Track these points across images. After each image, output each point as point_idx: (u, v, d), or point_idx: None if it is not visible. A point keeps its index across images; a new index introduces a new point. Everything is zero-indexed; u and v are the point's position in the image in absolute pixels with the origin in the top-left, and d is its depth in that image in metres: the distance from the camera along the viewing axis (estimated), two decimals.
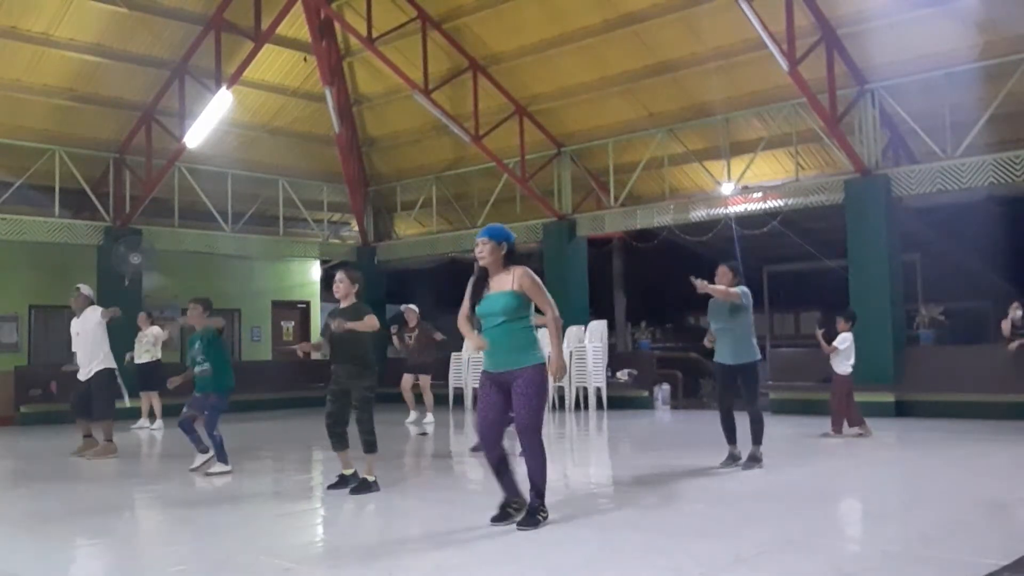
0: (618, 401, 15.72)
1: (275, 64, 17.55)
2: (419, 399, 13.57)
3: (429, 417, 13.37)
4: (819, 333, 10.99)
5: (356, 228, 20.80)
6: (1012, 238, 15.94)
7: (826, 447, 9.97)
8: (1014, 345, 12.23)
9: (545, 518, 5.67)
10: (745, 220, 15.24)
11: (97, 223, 16.81)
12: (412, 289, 21.02)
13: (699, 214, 15.73)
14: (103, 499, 7.68)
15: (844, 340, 10.71)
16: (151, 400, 13.93)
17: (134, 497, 7.99)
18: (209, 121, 15.79)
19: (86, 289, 10.61)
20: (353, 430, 7.27)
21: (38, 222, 16.03)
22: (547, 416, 14.58)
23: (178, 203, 17.54)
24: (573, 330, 16.18)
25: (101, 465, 9.63)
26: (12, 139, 15.77)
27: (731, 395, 8.30)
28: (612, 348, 17.49)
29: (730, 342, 8.16)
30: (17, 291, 16.96)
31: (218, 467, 8.49)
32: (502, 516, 5.74)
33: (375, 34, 15.91)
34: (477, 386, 6.08)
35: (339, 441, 7.35)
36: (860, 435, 10.47)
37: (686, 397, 17.29)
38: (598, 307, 18.74)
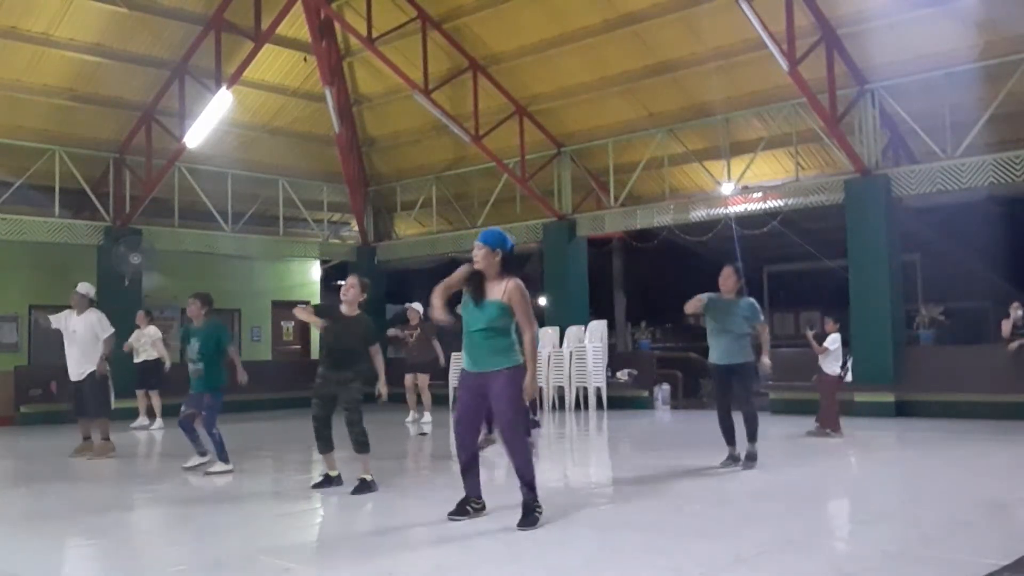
0: (618, 401, 15.72)
1: (275, 64, 17.54)
2: (419, 399, 13.58)
3: (427, 417, 13.37)
4: (810, 334, 11.07)
5: (356, 228, 20.80)
6: (1012, 238, 15.96)
7: (826, 447, 9.96)
8: (1014, 345, 12.23)
9: (540, 512, 5.72)
10: (745, 220, 15.24)
11: (97, 223, 16.81)
12: (412, 289, 20.96)
13: (699, 214, 15.73)
14: (103, 499, 7.68)
15: (834, 341, 10.85)
16: (151, 399, 13.94)
17: (134, 497, 7.99)
18: (209, 121, 15.79)
19: (83, 288, 10.30)
20: (340, 431, 7.30)
21: (38, 222, 16.03)
22: (547, 417, 14.67)
23: (178, 203, 17.53)
24: (573, 330, 16.19)
25: (101, 465, 9.62)
26: (12, 139, 15.77)
27: (728, 397, 8.32)
28: (612, 348, 17.50)
29: (727, 343, 8.21)
30: (17, 291, 16.96)
31: (219, 466, 8.49)
32: (459, 512, 5.90)
33: (375, 34, 15.90)
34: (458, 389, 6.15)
35: (326, 444, 7.44)
36: (827, 435, 10.53)
37: (686, 397, 17.28)
38: (598, 307, 18.75)
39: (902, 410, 12.94)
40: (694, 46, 14.56)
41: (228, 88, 15.67)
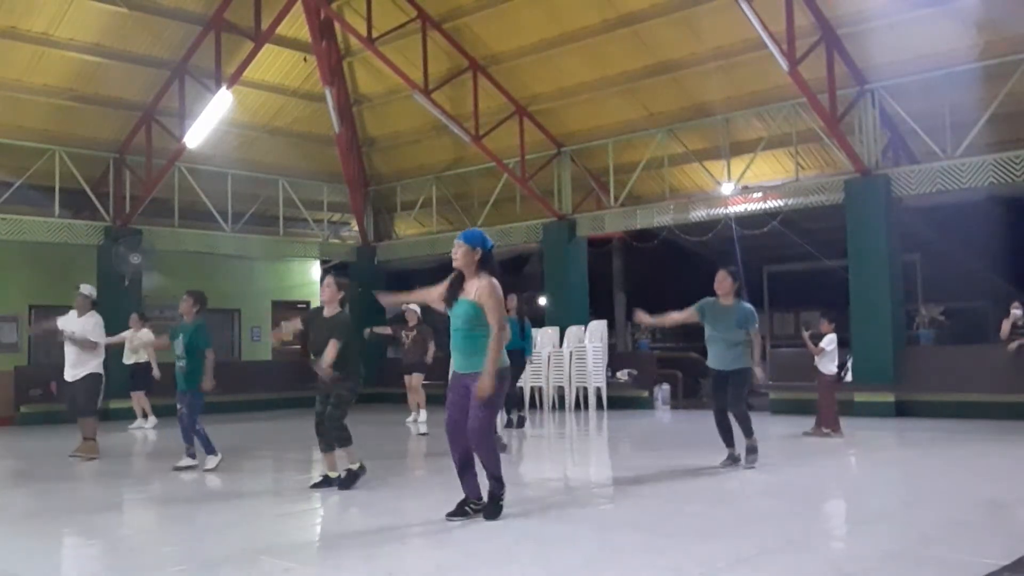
0: (618, 401, 15.73)
1: (275, 64, 17.54)
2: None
3: (423, 415, 13.34)
4: (806, 335, 11.08)
5: (356, 228, 20.80)
6: (1012, 238, 15.94)
7: (826, 447, 9.96)
8: (1014, 345, 12.23)
9: (502, 496, 5.91)
10: (745, 220, 15.23)
11: (97, 223, 16.81)
12: (412, 289, 20.97)
13: (699, 214, 15.73)
14: (102, 498, 7.68)
15: (830, 341, 10.85)
16: (141, 400, 13.96)
17: (133, 496, 8.00)
18: (209, 121, 15.79)
19: (86, 289, 10.37)
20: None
21: (38, 222, 16.03)
22: (547, 417, 14.68)
23: (178, 203, 17.53)
24: (573, 330, 16.19)
25: (101, 465, 9.61)
26: (12, 139, 15.77)
27: (725, 400, 8.35)
28: (612, 348, 17.50)
29: (721, 350, 8.25)
30: (17, 291, 16.95)
31: (210, 461, 8.52)
32: (458, 512, 5.94)
33: (375, 34, 15.91)
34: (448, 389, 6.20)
35: (327, 444, 7.44)
36: (827, 435, 10.54)
37: (686, 397, 17.27)
38: (598, 307, 18.73)
39: (902, 410, 12.95)
40: (694, 46, 14.56)
41: (228, 88, 15.67)
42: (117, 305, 14.25)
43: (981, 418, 12.11)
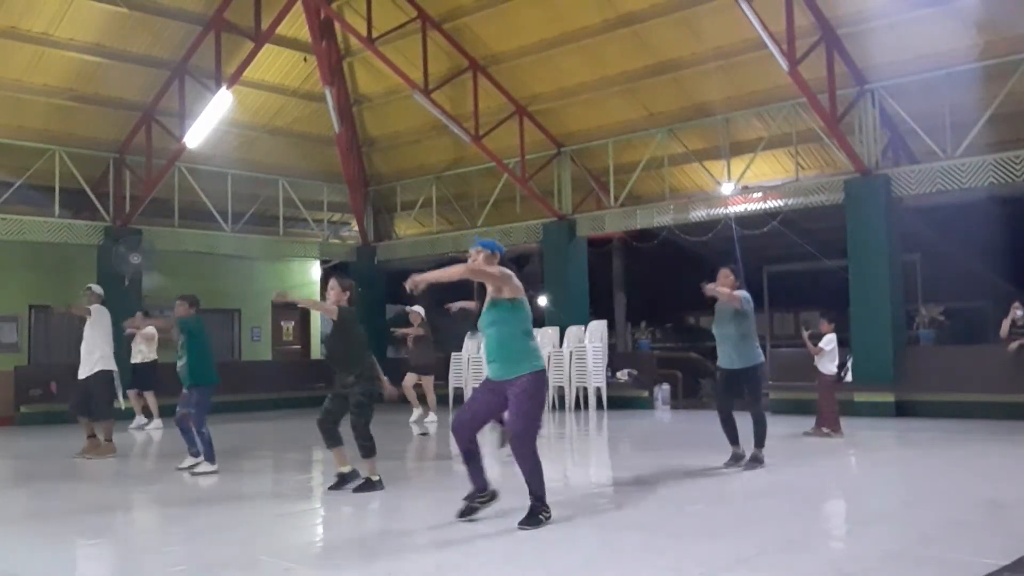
0: (618, 401, 15.72)
1: (275, 64, 17.54)
2: (422, 398, 13.59)
3: (431, 417, 13.40)
4: (805, 335, 11.08)
5: (356, 228, 20.80)
6: (1012, 238, 15.95)
7: (826, 447, 9.96)
8: (1014, 345, 12.23)
9: (547, 518, 5.69)
10: (745, 220, 15.23)
11: (97, 223, 16.80)
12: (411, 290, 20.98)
13: (699, 214, 15.73)
14: (103, 499, 7.68)
15: (830, 341, 10.88)
16: (145, 399, 13.97)
17: (134, 497, 8.00)
18: (209, 121, 15.79)
19: (98, 289, 10.82)
20: (349, 432, 7.30)
21: (38, 222, 16.03)
22: (547, 417, 14.67)
23: (178, 203, 17.53)
24: (573, 330, 16.18)
25: (101, 465, 9.63)
26: (12, 139, 15.77)
27: (732, 399, 8.32)
28: (612, 348, 17.50)
29: (733, 346, 8.20)
30: (17, 291, 16.95)
31: (204, 466, 8.50)
32: (467, 511, 5.86)
33: (375, 34, 15.91)
34: (477, 387, 6.15)
35: (331, 438, 7.39)
36: (827, 435, 10.55)
37: (686, 397, 17.28)
38: (598, 307, 18.73)
39: (902, 410, 12.95)
40: (694, 46, 14.55)
41: (228, 88, 15.67)
42: (118, 305, 14.20)
43: (981, 418, 12.11)
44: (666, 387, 16.26)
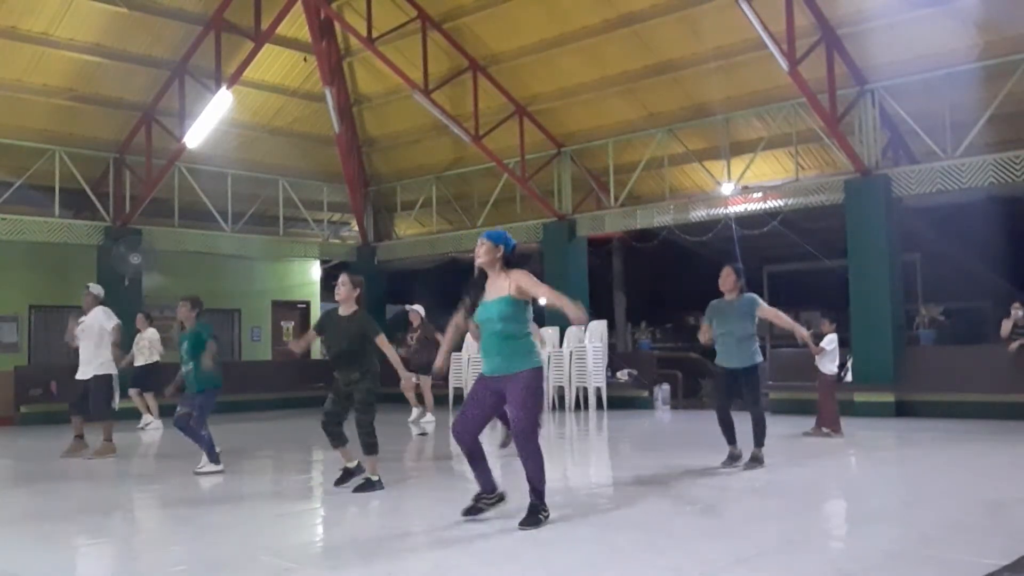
0: (618, 401, 15.73)
1: (275, 64, 17.55)
2: (420, 398, 13.59)
3: (429, 417, 13.39)
4: (806, 334, 11.05)
5: (356, 228, 20.80)
6: (1012, 238, 15.93)
7: (826, 447, 9.97)
8: (1014, 345, 12.24)
9: (547, 517, 5.69)
10: (745, 220, 15.23)
11: (97, 223, 16.81)
12: (412, 289, 20.99)
13: (699, 214, 15.73)
14: (103, 499, 7.68)
15: (831, 341, 10.89)
16: (145, 399, 13.96)
17: (134, 497, 8.00)
18: (209, 121, 15.79)
19: (95, 289, 10.70)
20: (353, 431, 7.29)
21: (38, 222, 16.03)
22: (547, 416, 14.66)
23: (178, 203, 17.54)
24: (573, 330, 16.16)
25: (101, 465, 9.62)
26: (12, 139, 15.78)
27: (730, 399, 8.31)
28: (612, 348, 17.48)
29: (735, 344, 8.18)
30: (17, 291, 16.96)
31: (208, 466, 8.49)
32: (473, 510, 5.84)
33: (375, 34, 15.91)
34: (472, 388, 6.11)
35: (336, 438, 7.39)
36: (827, 435, 10.54)
37: (686, 397, 17.28)
38: (598, 307, 18.70)
39: (902, 410, 12.95)
40: (694, 46, 14.55)
41: (228, 88, 15.68)
42: (118, 305, 14.17)
43: (981, 418, 12.11)
44: (666, 387, 16.26)
